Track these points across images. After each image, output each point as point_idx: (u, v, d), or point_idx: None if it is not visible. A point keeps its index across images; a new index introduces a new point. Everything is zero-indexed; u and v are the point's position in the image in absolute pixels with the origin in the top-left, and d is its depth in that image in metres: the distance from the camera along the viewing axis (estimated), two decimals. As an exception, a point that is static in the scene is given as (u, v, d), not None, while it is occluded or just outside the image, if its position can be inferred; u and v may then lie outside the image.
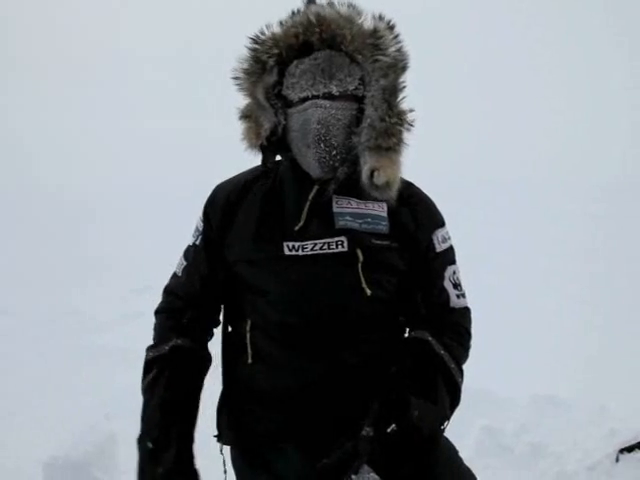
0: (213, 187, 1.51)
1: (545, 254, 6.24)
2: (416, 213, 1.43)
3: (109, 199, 9.25)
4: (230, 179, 1.51)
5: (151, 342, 1.49)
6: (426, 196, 1.49)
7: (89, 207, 8.92)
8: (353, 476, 1.25)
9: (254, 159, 1.50)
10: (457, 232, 1.71)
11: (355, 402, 1.35)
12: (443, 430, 1.40)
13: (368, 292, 1.34)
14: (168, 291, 1.52)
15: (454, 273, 1.49)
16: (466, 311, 1.51)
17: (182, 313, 1.48)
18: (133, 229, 7.56)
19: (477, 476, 1.46)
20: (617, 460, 2.54)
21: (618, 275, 5.51)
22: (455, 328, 1.47)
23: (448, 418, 1.41)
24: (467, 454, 1.52)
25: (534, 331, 4.25)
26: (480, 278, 4.19)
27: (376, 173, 1.33)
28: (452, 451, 1.47)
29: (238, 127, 1.43)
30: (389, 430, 1.28)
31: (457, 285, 1.49)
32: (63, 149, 11.52)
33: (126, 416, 3.07)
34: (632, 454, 2.54)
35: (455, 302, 1.48)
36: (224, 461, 1.48)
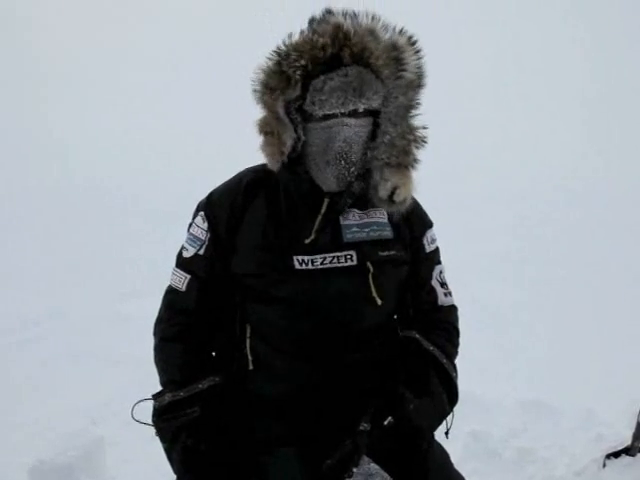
0: (208, 192, 1.47)
1: (534, 257, 6.27)
2: (408, 215, 1.45)
3: (102, 202, 9.19)
4: (228, 182, 1.47)
5: (166, 376, 1.41)
6: (414, 199, 1.50)
7: (82, 209, 8.85)
8: (354, 469, 1.28)
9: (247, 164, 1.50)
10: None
11: (355, 403, 1.36)
12: (448, 424, 1.46)
13: (379, 302, 1.36)
14: (175, 309, 1.44)
15: (440, 272, 1.54)
16: (453, 309, 1.55)
17: (200, 337, 1.42)
18: (122, 232, 7.52)
19: (465, 480, 1.47)
20: (604, 465, 2.54)
21: (612, 282, 5.52)
22: (443, 325, 1.50)
23: (448, 413, 1.44)
24: (455, 459, 1.53)
25: (521, 336, 4.27)
26: (468, 282, 4.21)
27: (397, 191, 1.36)
28: (444, 455, 1.49)
29: (258, 141, 1.38)
30: (385, 423, 1.32)
31: (444, 284, 1.53)
32: (63, 149, 11.48)
33: (113, 420, 3.07)
34: (619, 459, 2.54)
35: (443, 300, 1.52)
36: None
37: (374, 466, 1.33)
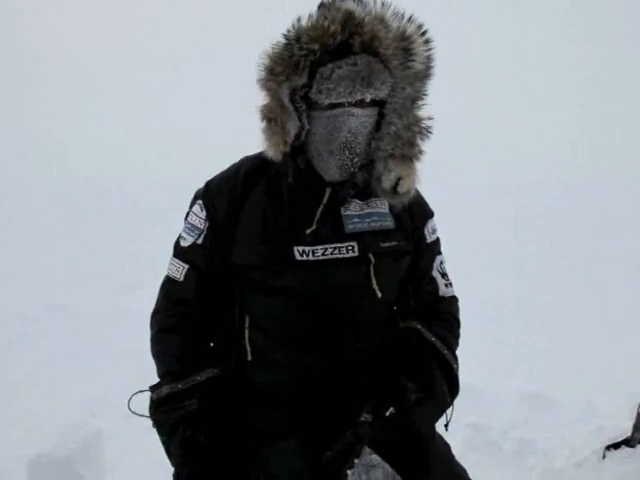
0: (206, 181, 1.44)
1: (535, 250, 6.26)
2: (409, 205, 1.43)
3: (102, 202, 9.21)
4: (226, 171, 1.44)
5: (163, 367, 1.39)
6: (416, 189, 1.48)
7: (81, 205, 8.87)
8: (355, 460, 1.28)
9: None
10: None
11: (356, 395, 1.35)
12: (448, 417, 1.44)
13: (379, 294, 1.34)
14: (173, 300, 1.41)
15: (441, 263, 1.52)
16: (454, 299, 1.54)
17: (198, 328, 1.40)
18: (122, 232, 7.52)
19: (466, 472, 1.46)
20: (604, 457, 2.53)
21: (613, 274, 5.51)
22: (444, 316, 1.49)
23: (449, 405, 1.43)
24: (455, 451, 1.52)
25: (521, 329, 4.27)
26: (469, 275, 4.20)
27: (401, 182, 1.34)
28: (445, 447, 1.48)
29: (259, 127, 1.34)
30: (387, 413, 1.31)
31: (444, 275, 1.52)
32: (63, 149, 11.51)
33: (112, 413, 3.07)
34: (619, 451, 2.53)
35: (443, 291, 1.51)
36: None
37: (375, 457, 1.32)
